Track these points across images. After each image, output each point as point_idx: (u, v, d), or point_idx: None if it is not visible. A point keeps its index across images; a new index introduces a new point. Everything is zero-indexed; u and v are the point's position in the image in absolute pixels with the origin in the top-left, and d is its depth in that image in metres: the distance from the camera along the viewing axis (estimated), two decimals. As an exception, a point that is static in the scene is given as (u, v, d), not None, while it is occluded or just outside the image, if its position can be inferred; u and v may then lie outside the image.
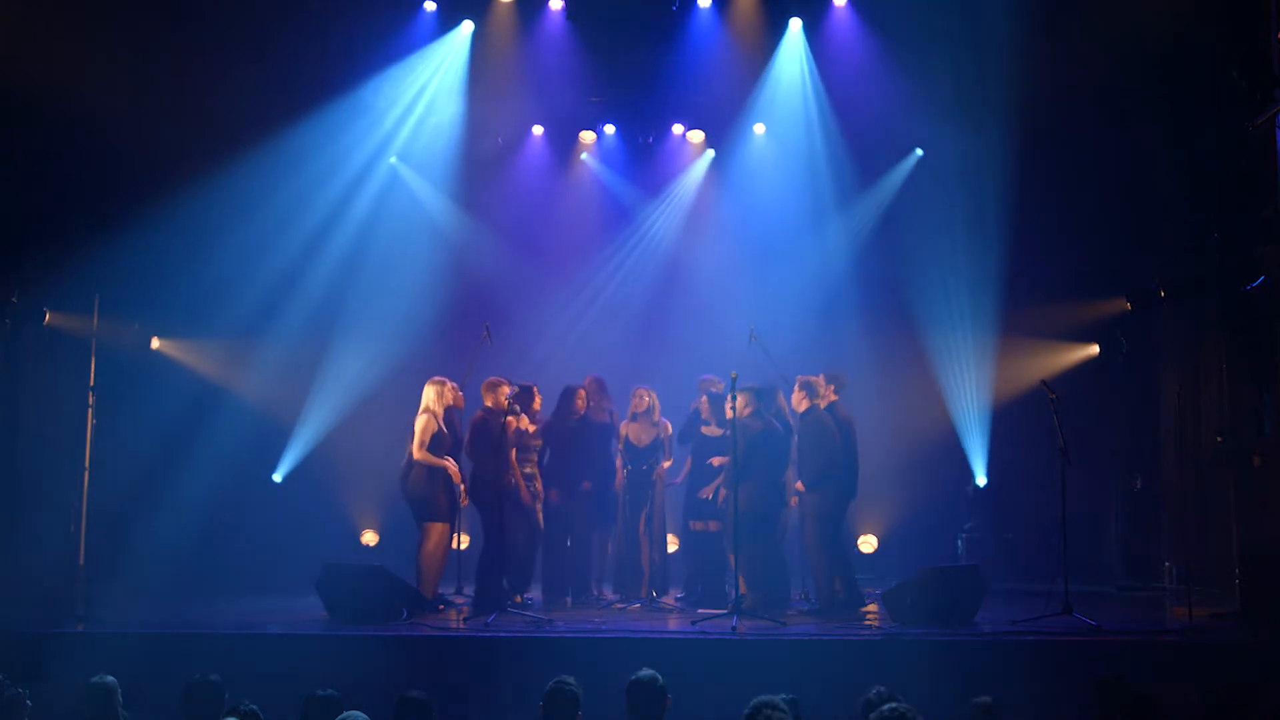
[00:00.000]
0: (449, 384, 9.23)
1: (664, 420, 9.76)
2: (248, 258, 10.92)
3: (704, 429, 9.52)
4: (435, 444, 9.02)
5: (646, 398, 9.68)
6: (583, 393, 9.62)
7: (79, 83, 9.77)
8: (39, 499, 10.16)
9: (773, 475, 9.12)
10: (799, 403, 9.11)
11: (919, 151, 11.39)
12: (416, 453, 8.96)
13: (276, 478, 11.22)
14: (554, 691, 5.05)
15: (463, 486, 9.12)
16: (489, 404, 9.21)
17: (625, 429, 9.71)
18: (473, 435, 9.25)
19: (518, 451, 9.26)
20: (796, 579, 9.64)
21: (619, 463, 9.63)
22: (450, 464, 9.07)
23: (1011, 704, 5.15)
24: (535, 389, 9.62)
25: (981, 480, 11.05)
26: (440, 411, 9.09)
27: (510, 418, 9.05)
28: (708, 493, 9.27)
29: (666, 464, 9.72)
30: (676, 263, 11.87)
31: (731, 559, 8.81)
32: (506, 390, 9.15)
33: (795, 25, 11.04)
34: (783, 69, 11.26)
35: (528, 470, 9.42)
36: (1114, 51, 9.78)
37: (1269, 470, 9.04)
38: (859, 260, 11.48)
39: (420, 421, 9.02)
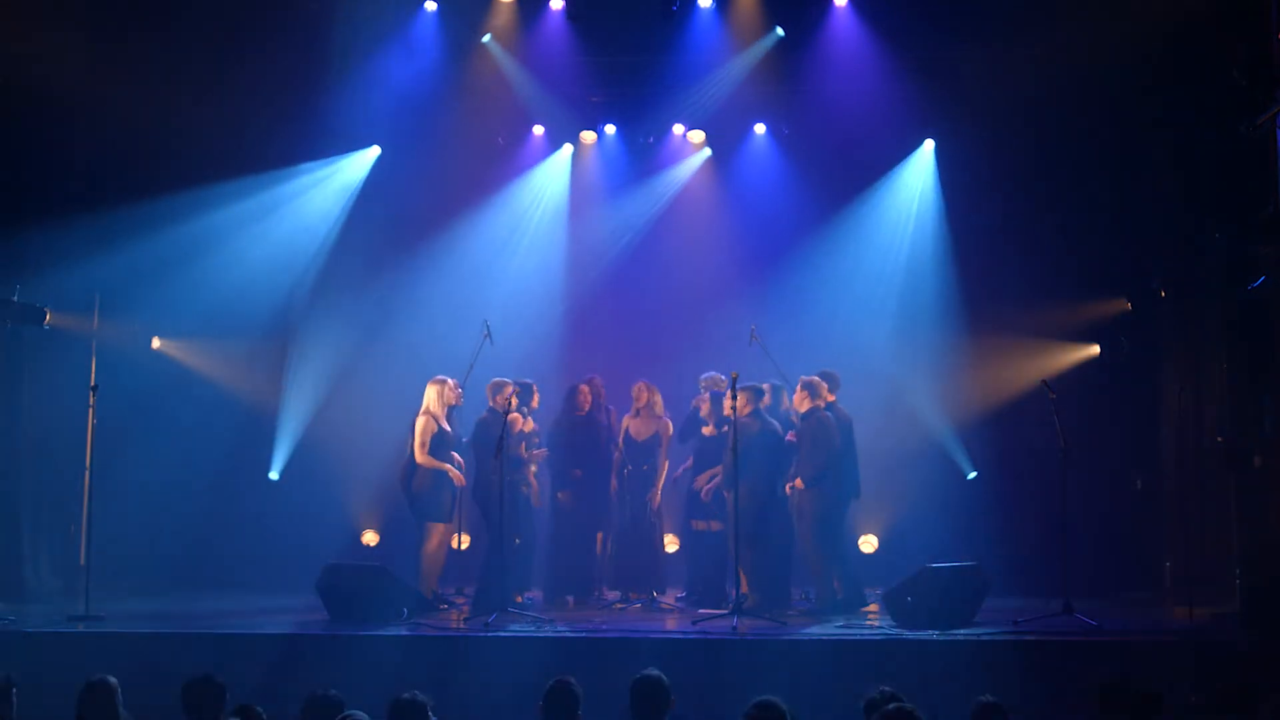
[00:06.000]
0: (450, 383, 9.24)
1: (666, 418, 9.76)
2: (248, 257, 10.93)
3: (703, 429, 9.55)
4: (436, 444, 9.03)
5: (646, 393, 9.71)
6: (585, 389, 9.64)
7: (83, 83, 9.78)
8: (39, 498, 10.17)
9: (771, 474, 9.13)
10: (800, 403, 9.12)
11: (930, 144, 11.36)
12: (418, 455, 8.97)
13: (273, 475, 11.22)
14: (554, 691, 5.05)
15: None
16: (492, 405, 9.23)
17: (626, 423, 9.74)
18: (476, 436, 9.29)
19: (518, 453, 9.27)
20: (797, 579, 9.64)
21: (616, 459, 9.64)
22: (451, 467, 9.08)
23: (1012, 704, 5.14)
24: (535, 387, 9.66)
25: (971, 474, 11.05)
26: (441, 412, 9.11)
27: (516, 415, 9.09)
28: (701, 482, 9.29)
29: (664, 469, 9.72)
30: (677, 262, 11.85)
31: (733, 557, 8.81)
32: (509, 391, 9.16)
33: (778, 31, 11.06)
34: (785, 66, 11.26)
35: (530, 471, 9.46)
36: (1114, 51, 9.76)
37: (1269, 470, 9.03)
38: (860, 259, 11.47)
39: (420, 423, 9.03)
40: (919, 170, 11.43)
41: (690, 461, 9.73)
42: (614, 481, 9.65)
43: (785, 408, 9.62)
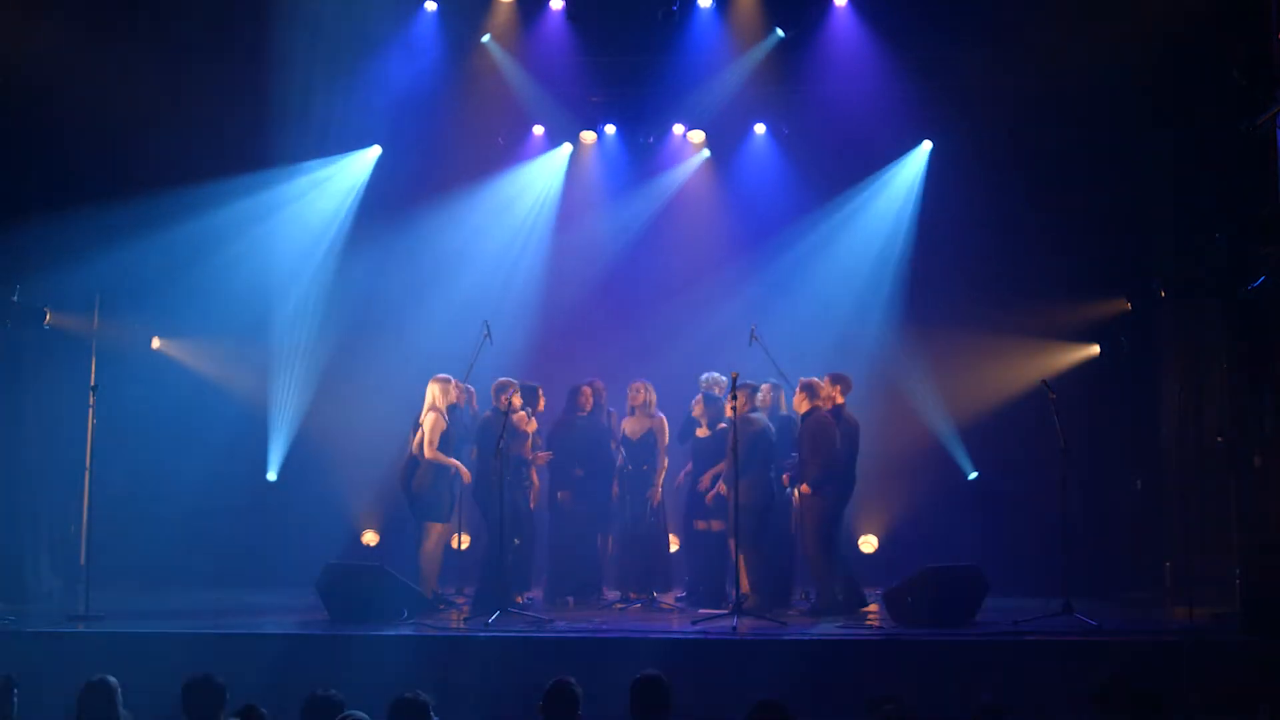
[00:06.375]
0: (453, 381, 9.26)
1: (660, 415, 9.75)
2: (248, 257, 10.94)
3: (697, 431, 9.54)
4: (443, 442, 9.05)
5: (643, 392, 9.71)
6: (587, 390, 9.65)
7: (85, 83, 9.77)
8: (39, 498, 10.16)
9: (770, 473, 9.14)
10: (800, 404, 9.12)
11: (928, 144, 11.37)
12: (428, 452, 8.97)
13: (271, 476, 11.22)
14: (554, 691, 5.05)
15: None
16: (495, 405, 9.23)
17: (621, 424, 9.74)
18: (479, 435, 9.30)
19: (522, 453, 9.28)
20: (797, 579, 9.65)
21: (619, 461, 9.65)
22: (460, 464, 9.10)
23: (1012, 704, 5.14)
24: (540, 390, 9.66)
25: (973, 474, 11.06)
26: (445, 409, 9.11)
27: (521, 414, 9.10)
28: (705, 483, 9.27)
29: (664, 467, 9.72)
30: (677, 261, 11.86)
31: (733, 557, 8.81)
32: (510, 391, 9.16)
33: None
34: (785, 66, 11.25)
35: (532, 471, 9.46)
36: (1115, 51, 9.76)
37: (1269, 470, 9.02)
38: (859, 259, 11.47)
39: (429, 420, 9.03)
40: (918, 170, 11.43)
41: (690, 466, 9.70)
42: (616, 482, 9.64)
43: (784, 413, 9.63)
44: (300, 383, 11.25)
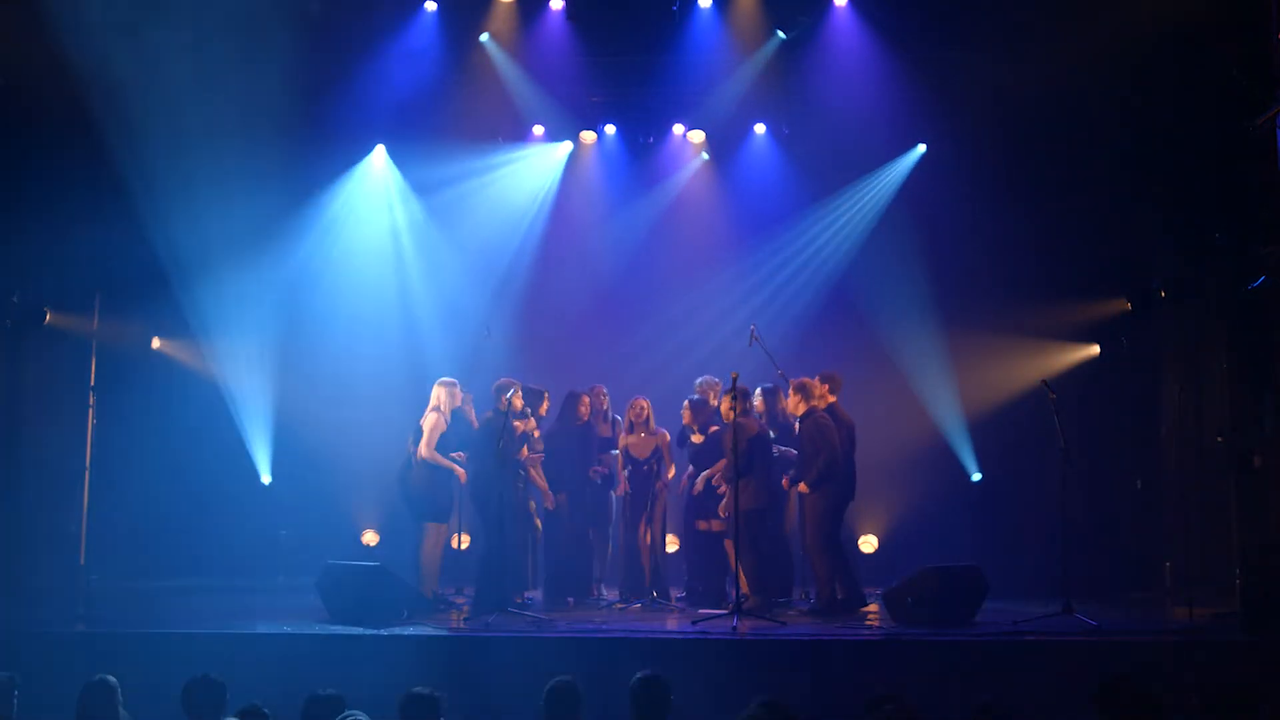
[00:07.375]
0: (458, 385, 9.27)
1: (662, 430, 9.69)
2: (249, 257, 10.93)
3: (691, 438, 9.49)
4: (442, 443, 9.05)
5: (643, 408, 9.64)
6: (585, 399, 9.61)
7: (86, 83, 9.77)
8: (39, 499, 10.17)
9: (771, 473, 9.13)
10: (795, 406, 9.11)
11: (922, 147, 11.38)
12: (424, 450, 8.98)
13: (265, 479, 11.22)
14: (554, 691, 5.05)
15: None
16: (496, 405, 9.22)
17: (625, 440, 9.67)
18: (479, 436, 9.29)
19: (519, 455, 9.27)
20: (797, 579, 9.65)
21: (619, 466, 9.62)
22: (456, 465, 9.09)
23: (1011, 704, 5.14)
24: (545, 393, 9.64)
25: (976, 476, 11.07)
26: (448, 412, 9.12)
27: (518, 421, 9.09)
28: (700, 484, 9.26)
29: (671, 473, 9.68)
30: (677, 263, 11.86)
31: (732, 558, 8.82)
32: (511, 393, 9.15)
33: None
34: (785, 67, 11.26)
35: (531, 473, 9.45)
36: (1114, 51, 9.77)
37: (1269, 470, 9.03)
38: (859, 259, 11.48)
39: (430, 420, 9.04)
40: (921, 170, 11.44)
41: (691, 470, 9.66)
42: (622, 485, 9.60)
43: (781, 405, 9.63)
44: (300, 383, 11.23)
